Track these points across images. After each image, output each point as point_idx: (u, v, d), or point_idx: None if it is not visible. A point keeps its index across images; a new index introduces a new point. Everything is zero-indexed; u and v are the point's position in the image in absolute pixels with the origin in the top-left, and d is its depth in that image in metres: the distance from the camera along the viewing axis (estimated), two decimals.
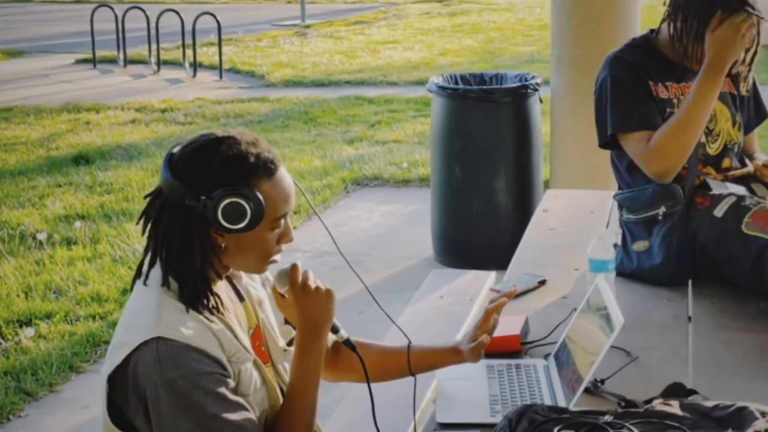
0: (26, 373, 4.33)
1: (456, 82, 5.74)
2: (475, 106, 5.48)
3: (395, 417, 2.39)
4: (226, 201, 1.79)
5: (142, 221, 1.90)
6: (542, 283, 2.93)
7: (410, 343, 2.24)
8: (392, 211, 6.94)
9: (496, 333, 2.47)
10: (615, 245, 3.05)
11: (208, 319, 1.84)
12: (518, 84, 5.55)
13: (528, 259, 3.20)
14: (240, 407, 1.80)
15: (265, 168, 1.84)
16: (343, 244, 6.17)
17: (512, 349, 2.45)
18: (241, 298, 2.03)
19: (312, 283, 1.93)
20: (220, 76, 12.89)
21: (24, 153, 8.89)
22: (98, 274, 5.55)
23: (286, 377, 2.02)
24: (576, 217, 3.61)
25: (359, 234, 6.44)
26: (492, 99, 5.47)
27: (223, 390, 1.78)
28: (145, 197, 1.90)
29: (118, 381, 1.80)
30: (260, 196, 1.81)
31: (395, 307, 4.59)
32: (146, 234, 1.89)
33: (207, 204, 1.79)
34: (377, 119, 9.92)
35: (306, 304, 1.91)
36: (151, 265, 1.87)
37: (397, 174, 7.68)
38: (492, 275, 3.95)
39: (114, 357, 1.80)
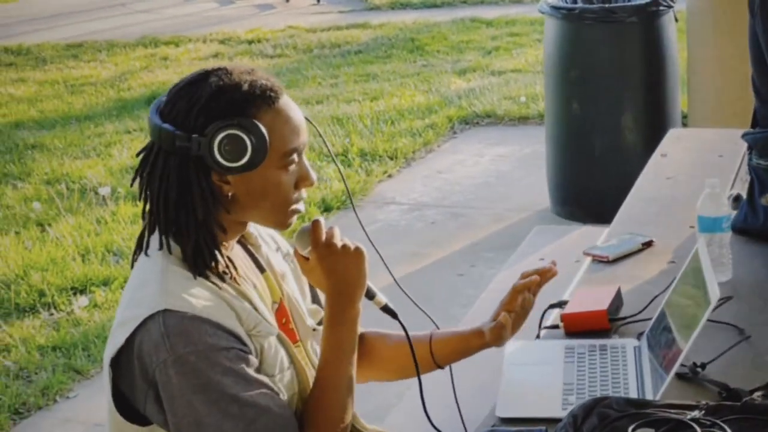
0: (77, 348, 4.44)
1: (574, 1, 5.58)
2: (596, 29, 5.33)
3: (476, 407, 2.35)
4: (222, 135, 1.76)
5: (137, 182, 1.88)
6: (647, 244, 2.82)
7: (434, 330, 2.17)
8: (505, 154, 6.84)
9: (582, 308, 2.40)
10: (738, 197, 2.92)
11: (219, 287, 1.82)
12: (648, 0, 5.36)
13: (635, 215, 3.09)
14: (264, 387, 1.78)
15: (264, 96, 1.81)
16: (446, 194, 6.15)
17: (599, 326, 2.37)
18: (261, 269, 2.00)
19: (338, 241, 1.89)
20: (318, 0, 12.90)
21: (92, 95, 9.09)
22: None
23: (317, 360, 1.99)
24: (700, 162, 3.48)
25: (464, 182, 6.37)
26: (615, 19, 5.31)
27: (243, 367, 1.75)
28: (137, 155, 1.89)
29: (122, 365, 1.79)
30: (261, 126, 1.78)
31: (500, 269, 4.53)
32: (142, 196, 1.87)
33: (200, 142, 1.76)
34: (495, 45, 9.78)
35: (333, 264, 1.88)
36: (151, 231, 1.86)
37: (513, 110, 7.56)
38: (606, 232, 3.84)
39: (116, 338, 1.79)
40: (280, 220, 1.89)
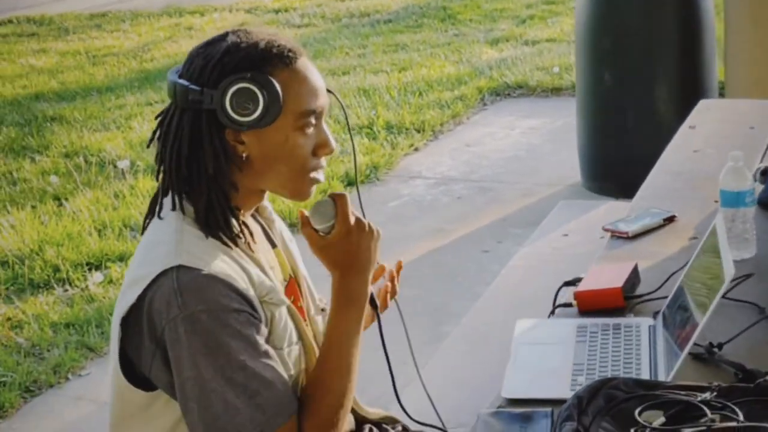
0: (90, 325, 4.45)
1: None
2: None
3: (485, 387, 2.34)
4: (234, 88, 1.77)
5: (153, 144, 1.88)
6: (669, 220, 2.79)
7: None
8: (536, 126, 6.79)
9: (596, 285, 2.38)
10: (766, 171, 2.88)
11: (232, 249, 1.82)
12: None
13: (659, 189, 3.07)
14: (271, 358, 1.77)
15: (281, 55, 1.82)
16: (474, 168, 6.12)
17: (613, 305, 2.34)
18: (273, 245, 2.00)
19: (363, 218, 1.90)
20: None
21: (114, 66, 9.12)
22: None
23: None
24: (730, 135, 3.43)
25: (493, 156, 6.33)
26: None
27: (253, 333, 1.75)
28: (156, 117, 1.89)
29: (131, 325, 1.78)
30: (275, 82, 1.78)
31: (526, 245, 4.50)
32: (157, 158, 1.87)
33: (212, 95, 1.77)
34: (530, 13, 9.72)
35: (360, 242, 1.87)
36: (164, 192, 1.86)
37: (545, 81, 7.51)
38: (628, 207, 3.81)
39: (127, 296, 1.78)
40: (297, 188, 1.87)
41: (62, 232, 5.40)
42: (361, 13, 10.34)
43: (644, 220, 2.79)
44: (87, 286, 4.84)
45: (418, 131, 6.70)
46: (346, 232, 1.87)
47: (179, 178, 1.82)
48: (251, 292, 1.77)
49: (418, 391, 2.79)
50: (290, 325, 1.87)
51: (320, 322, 2.04)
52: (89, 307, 4.64)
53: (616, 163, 5.47)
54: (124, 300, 1.79)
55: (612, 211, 3.87)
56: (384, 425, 2.17)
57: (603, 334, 2.23)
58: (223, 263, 1.77)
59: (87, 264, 5.06)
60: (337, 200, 1.88)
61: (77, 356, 4.27)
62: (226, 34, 1.85)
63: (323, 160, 1.88)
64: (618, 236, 2.74)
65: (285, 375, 1.80)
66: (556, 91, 7.39)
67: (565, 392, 2.01)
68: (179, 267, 1.73)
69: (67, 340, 4.37)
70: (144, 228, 1.91)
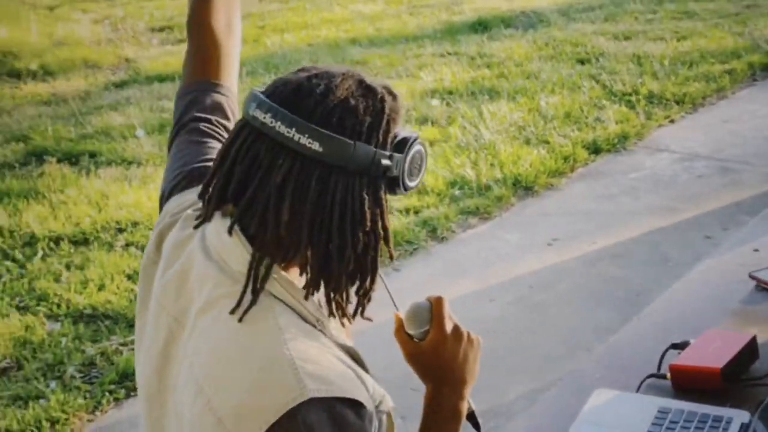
0: None
1: None
2: None
3: None
4: (415, 150, 1.27)
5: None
6: None
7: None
8: None
9: (696, 359, 1.76)
10: None
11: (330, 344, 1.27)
12: None
13: None
14: None
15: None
16: (723, 146, 5.34)
17: (712, 386, 1.72)
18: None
19: (462, 326, 1.38)
20: None
21: (427, 16, 8.73)
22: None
23: None
24: None
25: (747, 134, 5.45)
26: None
27: None
28: (226, 151, 1.27)
29: None
30: None
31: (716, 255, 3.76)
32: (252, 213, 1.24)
33: (398, 161, 1.25)
34: None
35: (455, 352, 1.37)
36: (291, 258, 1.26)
37: None
38: None
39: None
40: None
41: None
42: None
43: None
44: None
45: (678, 103, 5.89)
46: (441, 340, 1.36)
47: (319, 256, 1.23)
48: (370, 404, 1.23)
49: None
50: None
51: None
52: None
53: None
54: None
55: None
56: None
57: (684, 425, 1.63)
58: (342, 370, 1.21)
59: None
60: (434, 304, 1.37)
61: None
62: (346, 77, 1.25)
63: None
64: (764, 288, 2.06)
65: None
66: None
67: None
68: (310, 401, 1.14)
69: None
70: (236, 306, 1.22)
